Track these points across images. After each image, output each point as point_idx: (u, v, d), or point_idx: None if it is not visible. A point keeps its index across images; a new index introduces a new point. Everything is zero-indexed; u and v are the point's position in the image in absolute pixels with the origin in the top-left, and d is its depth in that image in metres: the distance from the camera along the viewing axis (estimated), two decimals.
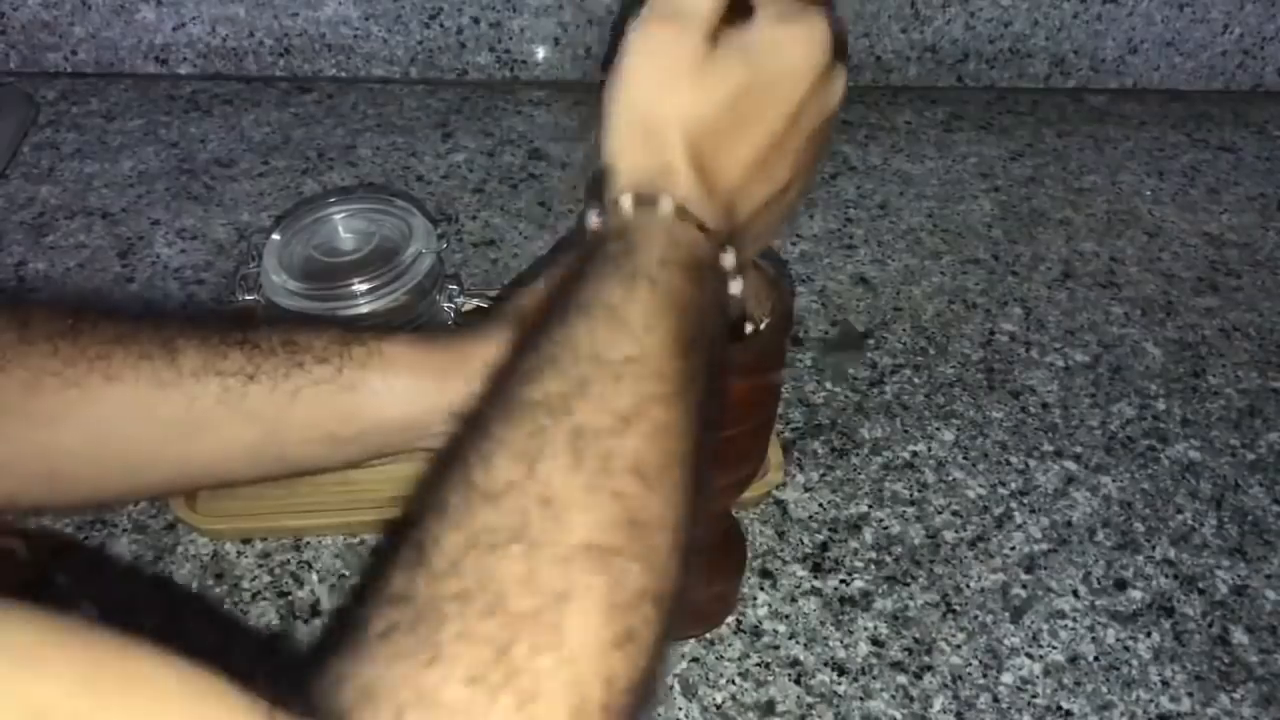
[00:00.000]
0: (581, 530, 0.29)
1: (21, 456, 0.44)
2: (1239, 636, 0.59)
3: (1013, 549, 0.62)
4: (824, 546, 0.61)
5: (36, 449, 0.44)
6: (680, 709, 0.54)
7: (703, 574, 0.56)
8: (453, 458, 0.32)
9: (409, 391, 0.46)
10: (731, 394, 0.45)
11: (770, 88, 0.38)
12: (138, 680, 0.23)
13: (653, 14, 0.37)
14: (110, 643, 0.23)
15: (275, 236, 0.62)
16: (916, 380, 0.72)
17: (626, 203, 0.36)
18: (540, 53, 0.96)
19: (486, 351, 0.45)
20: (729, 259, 0.37)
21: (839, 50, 0.39)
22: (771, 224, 0.43)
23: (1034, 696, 0.55)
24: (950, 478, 0.66)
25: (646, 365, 0.33)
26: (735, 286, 0.38)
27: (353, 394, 0.45)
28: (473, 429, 0.32)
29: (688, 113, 0.37)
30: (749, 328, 0.49)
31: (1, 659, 0.22)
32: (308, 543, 0.60)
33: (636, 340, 0.33)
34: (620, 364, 0.32)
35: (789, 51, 0.38)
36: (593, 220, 0.38)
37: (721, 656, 0.56)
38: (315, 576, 0.58)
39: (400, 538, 0.30)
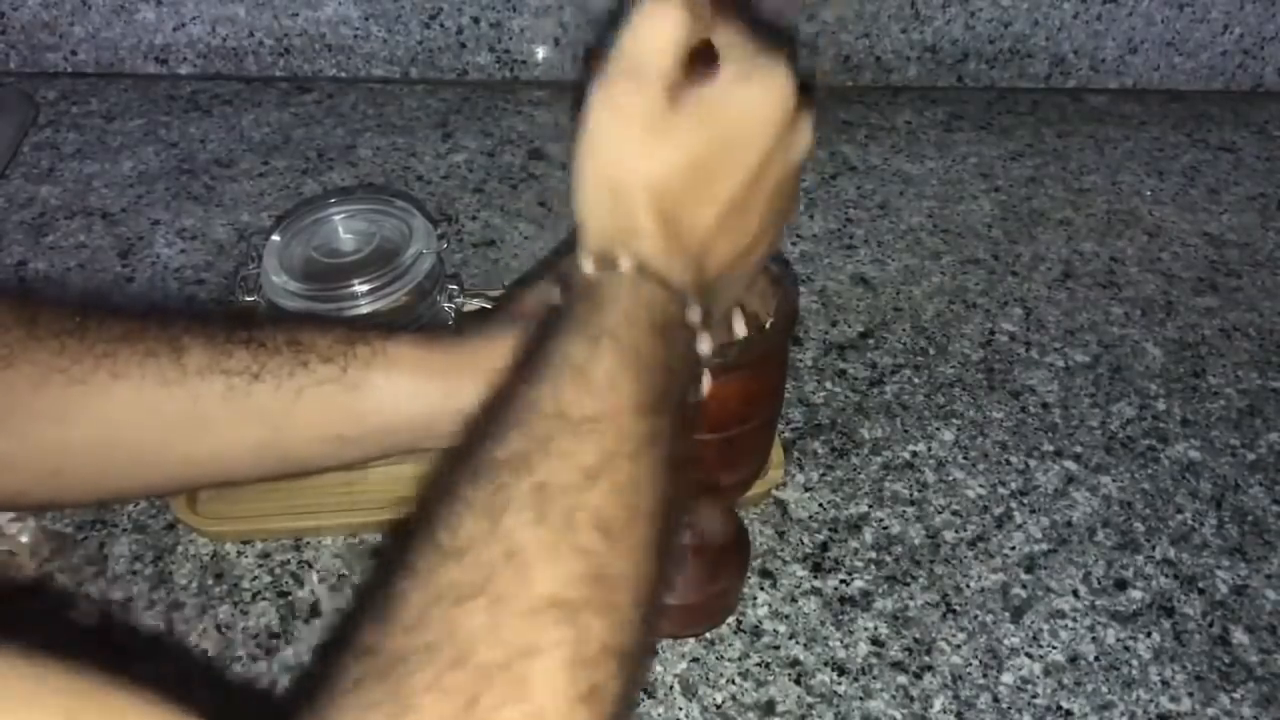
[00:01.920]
0: (546, 583, 0.30)
1: (28, 452, 0.44)
2: (1239, 636, 0.59)
3: (1013, 549, 0.62)
4: (824, 546, 0.62)
5: (43, 445, 0.44)
6: (680, 709, 0.54)
7: (705, 572, 0.56)
8: (420, 520, 0.32)
9: (413, 392, 0.46)
10: (735, 392, 0.45)
11: (732, 145, 0.38)
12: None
13: (612, 72, 0.37)
14: (93, 683, 0.24)
15: (275, 237, 0.62)
16: (916, 380, 0.72)
17: (588, 265, 0.36)
18: (540, 53, 0.96)
19: (490, 352, 0.45)
20: (694, 314, 0.37)
21: (804, 101, 0.39)
22: (743, 276, 0.43)
23: (1034, 696, 0.55)
24: (950, 478, 0.66)
25: (611, 423, 0.33)
26: (704, 344, 0.38)
27: (357, 394, 0.45)
28: (440, 491, 0.32)
29: (651, 173, 0.36)
30: (747, 328, 0.49)
31: None
32: (308, 543, 0.60)
33: (600, 398, 0.33)
34: (584, 421, 0.32)
35: (749, 109, 0.37)
36: (555, 296, 0.38)
37: (721, 656, 0.56)
38: (315, 576, 0.58)
39: (367, 599, 0.31)
